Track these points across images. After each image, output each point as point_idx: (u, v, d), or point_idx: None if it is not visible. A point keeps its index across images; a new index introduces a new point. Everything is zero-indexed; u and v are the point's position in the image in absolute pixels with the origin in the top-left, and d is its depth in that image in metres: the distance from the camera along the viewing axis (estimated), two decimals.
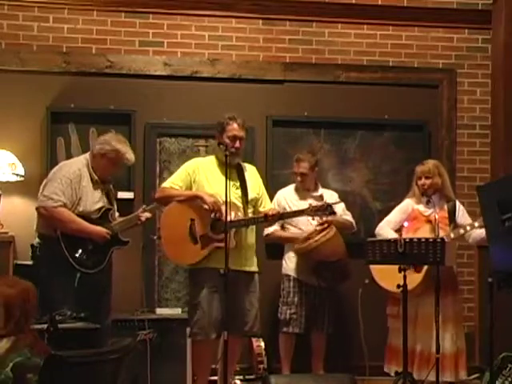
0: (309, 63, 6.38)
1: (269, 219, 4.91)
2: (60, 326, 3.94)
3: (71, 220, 4.83)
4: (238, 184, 4.93)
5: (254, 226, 5.00)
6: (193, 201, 4.86)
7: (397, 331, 5.15)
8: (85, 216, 4.88)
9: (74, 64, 6.09)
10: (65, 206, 4.82)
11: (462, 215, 5.42)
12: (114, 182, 5.27)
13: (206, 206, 4.79)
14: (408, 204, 5.47)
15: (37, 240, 4.94)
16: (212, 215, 4.82)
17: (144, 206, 5.21)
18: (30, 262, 5.10)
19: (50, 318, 3.89)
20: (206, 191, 4.87)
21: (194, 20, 6.25)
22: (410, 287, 4.68)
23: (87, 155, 5.08)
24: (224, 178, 4.65)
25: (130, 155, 5.06)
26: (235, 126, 4.89)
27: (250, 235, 4.96)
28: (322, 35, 6.40)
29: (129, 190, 5.98)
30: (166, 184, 5.05)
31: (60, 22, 6.07)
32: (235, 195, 4.86)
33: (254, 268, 5.00)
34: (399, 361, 4.88)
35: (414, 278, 5.05)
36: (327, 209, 4.91)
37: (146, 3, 6.19)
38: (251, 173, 5.10)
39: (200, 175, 4.94)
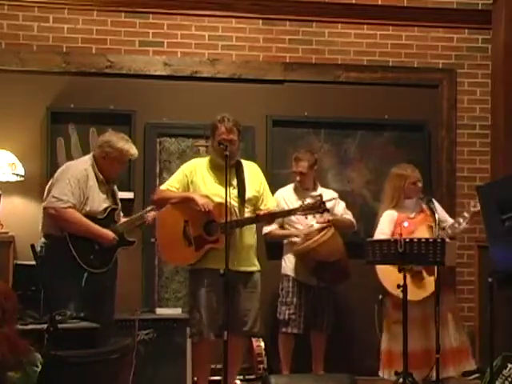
0: (309, 63, 6.37)
1: (260, 219, 4.90)
2: (60, 326, 3.93)
3: (80, 222, 4.84)
4: (234, 183, 4.91)
5: (254, 226, 4.99)
6: (186, 202, 4.87)
7: (397, 336, 5.15)
8: (91, 216, 4.89)
9: (73, 64, 6.08)
10: (73, 206, 4.83)
11: (442, 210, 5.49)
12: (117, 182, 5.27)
13: (197, 208, 4.79)
14: (393, 215, 5.44)
15: (42, 240, 4.92)
16: (205, 217, 4.81)
17: (149, 208, 5.20)
18: (30, 262, 5.08)
19: (50, 317, 3.88)
20: (200, 192, 4.88)
21: (194, 20, 6.25)
22: (428, 293, 5.02)
23: (91, 155, 5.08)
24: (219, 178, 4.79)
25: (134, 150, 5.07)
26: (223, 129, 4.88)
27: (248, 235, 4.93)
28: (322, 35, 6.40)
29: (129, 190, 5.98)
30: (163, 186, 5.10)
31: (60, 22, 6.07)
32: (231, 195, 4.80)
33: (254, 268, 4.97)
34: (399, 363, 4.89)
35: (430, 282, 5.06)
36: (320, 206, 4.85)
37: (145, 3, 6.18)
38: (251, 171, 5.06)
39: (197, 176, 4.96)
